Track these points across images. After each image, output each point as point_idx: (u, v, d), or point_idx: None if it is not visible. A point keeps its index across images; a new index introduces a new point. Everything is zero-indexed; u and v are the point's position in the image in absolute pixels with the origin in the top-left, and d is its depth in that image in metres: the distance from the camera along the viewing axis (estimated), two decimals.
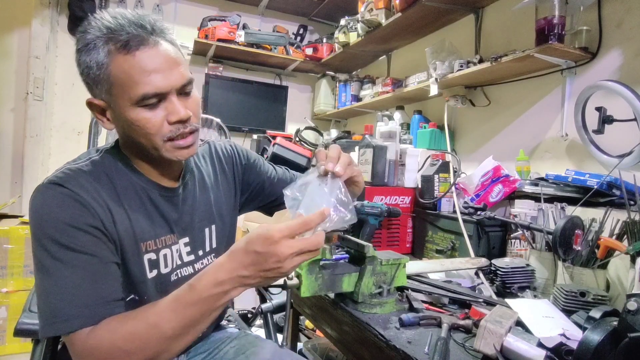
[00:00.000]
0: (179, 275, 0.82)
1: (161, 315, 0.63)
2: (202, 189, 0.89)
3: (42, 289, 0.65)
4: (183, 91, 0.73)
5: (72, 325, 0.63)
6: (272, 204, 1.06)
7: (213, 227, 0.90)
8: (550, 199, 1.22)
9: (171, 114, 0.71)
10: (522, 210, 1.27)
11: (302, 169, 2.69)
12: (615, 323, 0.65)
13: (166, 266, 0.80)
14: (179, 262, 0.82)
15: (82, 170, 0.72)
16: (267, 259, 0.61)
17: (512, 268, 1.08)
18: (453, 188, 1.48)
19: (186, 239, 0.84)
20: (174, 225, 0.81)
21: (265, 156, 2.80)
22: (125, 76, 0.67)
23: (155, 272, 0.78)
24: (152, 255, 0.77)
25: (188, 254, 0.84)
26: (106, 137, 2.60)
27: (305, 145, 2.87)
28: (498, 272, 1.09)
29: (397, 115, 2.26)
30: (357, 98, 2.73)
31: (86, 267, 0.66)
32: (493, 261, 1.14)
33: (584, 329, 0.78)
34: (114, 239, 0.71)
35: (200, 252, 0.87)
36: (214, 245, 0.90)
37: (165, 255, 0.79)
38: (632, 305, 0.62)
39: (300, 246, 0.61)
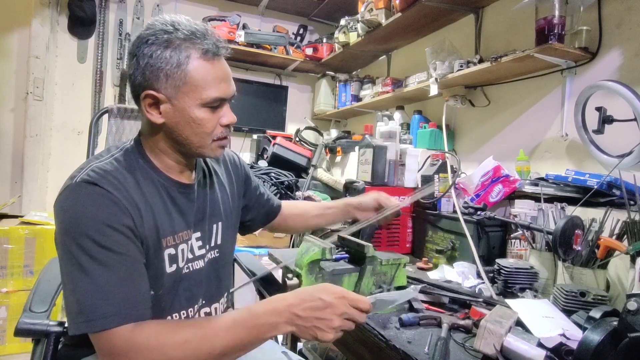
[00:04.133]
0: (190, 269, 0.84)
1: (217, 331, 0.67)
2: (211, 187, 0.93)
3: (76, 287, 0.66)
4: (231, 100, 0.83)
5: (110, 322, 0.64)
6: (244, 223, 1.11)
7: (220, 224, 0.93)
8: (550, 199, 1.22)
9: (225, 118, 0.81)
10: (522, 210, 1.27)
11: (301, 169, 2.70)
12: (615, 323, 0.65)
13: (182, 260, 0.82)
14: (190, 256, 0.84)
15: (109, 168, 0.74)
16: (327, 308, 0.68)
17: (516, 268, 1.08)
18: (453, 188, 1.48)
19: (198, 234, 0.86)
20: (190, 220, 0.84)
21: (265, 156, 2.81)
22: (201, 79, 0.75)
23: (174, 266, 0.80)
24: (172, 251, 0.80)
25: (199, 248, 0.87)
26: (106, 137, 2.60)
27: (305, 145, 2.87)
28: (502, 271, 1.10)
29: (397, 115, 2.26)
30: (357, 98, 2.73)
31: (122, 266, 0.68)
32: (497, 260, 1.14)
33: (584, 329, 0.78)
34: (141, 237, 0.73)
35: (207, 247, 0.89)
36: (219, 242, 0.92)
37: (182, 250, 0.82)
38: (632, 305, 0.62)
39: (352, 313, 0.69)
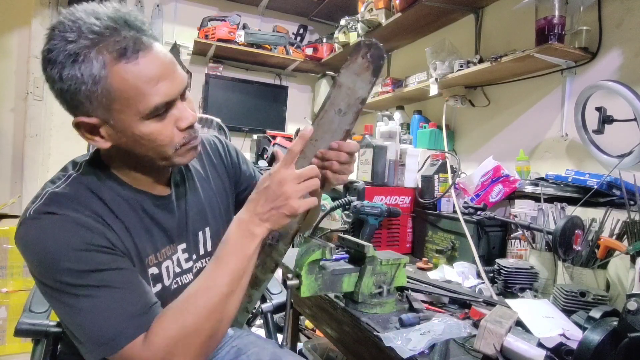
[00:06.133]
0: (179, 284, 0.79)
1: (209, 277, 0.65)
2: (192, 190, 0.84)
3: (75, 319, 0.61)
4: (183, 93, 0.68)
5: (125, 338, 0.60)
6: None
7: (207, 229, 0.86)
8: (550, 199, 1.22)
9: (181, 121, 0.67)
10: (522, 210, 1.27)
11: None
12: (615, 323, 0.65)
13: (168, 278, 0.77)
14: (178, 270, 0.79)
15: (68, 191, 0.65)
16: (272, 188, 0.66)
17: (516, 268, 1.08)
18: (452, 188, 1.48)
19: (183, 245, 0.80)
20: (173, 234, 0.78)
21: (265, 156, 2.81)
22: (130, 88, 0.60)
23: (159, 286, 0.75)
24: (155, 270, 0.74)
25: (186, 260, 0.81)
26: None
27: None
28: (502, 271, 1.10)
29: (397, 115, 2.26)
30: None
31: (117, 281, 0.62)
32: (497, 260, 1.14)
33: (584, 329, 0.78)
34: (125, 253, 0.68)
35: (194, 257, 0.83)
36: (209, 249, 0.86)
37: (167, 268, 0.76)
38: (632, 305, 0.62)
39: (298, 173, 0.67)
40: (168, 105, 0.65)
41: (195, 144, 0.72)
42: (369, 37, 2.25)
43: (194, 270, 0.83)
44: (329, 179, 0.76)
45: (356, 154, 0.77)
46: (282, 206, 0.66)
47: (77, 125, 0.65)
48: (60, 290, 0.61)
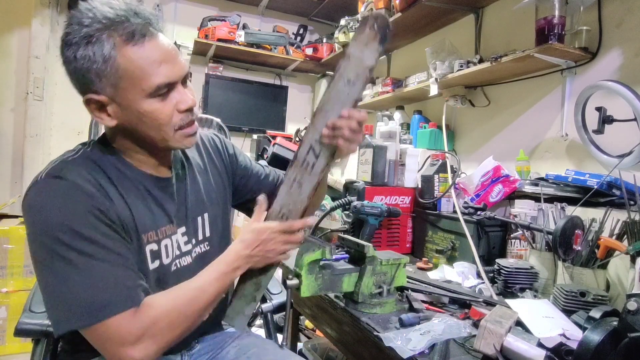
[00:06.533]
0: (178, 266, 0.82)
1: (209, 282, 0.76)
2: (192, 178, 0.89)
3: (65, 284, 0.64)
4: (184, 81, 0.76)
5: (112, 310, 0.64)
6: (247, 205, 1.03)
7: (205, 215, 0.90)
8: (550, 199, 1.22)
9: (181, 103, 0.73)
10: (522, 210, 1.27)
11: None
12: (615, 323, 0.66)
13: (167, 257, 0.80)
14: (177, 252, 0.83)
15: (77, 162, 0.71)
16: (269, 246, 0.81)
17: (516, 268, 1.08)
18: (452, 188, 1.48)
19: (183, 229, 0.84)
20: (172, 215, 0.82)
21: (265, 156, 2.80)
22: (136, 68, 0.68)
23: (157, 262, 0.78)
24: (154, 246, 0.77)
25: (185, 243, 0.85)
26: None
27: None
28: (502, 271, 1.10)
29: (397, 115, 2.26)
30: None
31: (113, 252, 0.67)
32: (497, 260, 1.14)
33: (584, 329, 0.78)
34: (123, 227, 0.71)
35: (194, 241, 0.87)
36: (207, 234, 0.90)
37: (166, 246, 0.80)
38: (632, 305, 0.62)
39: (286, 238, 0.82)
40: (169, 87, 0.72)
41: (193, 130, 0.78)
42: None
43: (193, 254, 0.86)
44: (340, 147, 0.80)
45: (364, 124, 0.82)
46: (269, 258, 0.82)
47: (87, 102, 0.72)
48: (54, 253, 0.64)
